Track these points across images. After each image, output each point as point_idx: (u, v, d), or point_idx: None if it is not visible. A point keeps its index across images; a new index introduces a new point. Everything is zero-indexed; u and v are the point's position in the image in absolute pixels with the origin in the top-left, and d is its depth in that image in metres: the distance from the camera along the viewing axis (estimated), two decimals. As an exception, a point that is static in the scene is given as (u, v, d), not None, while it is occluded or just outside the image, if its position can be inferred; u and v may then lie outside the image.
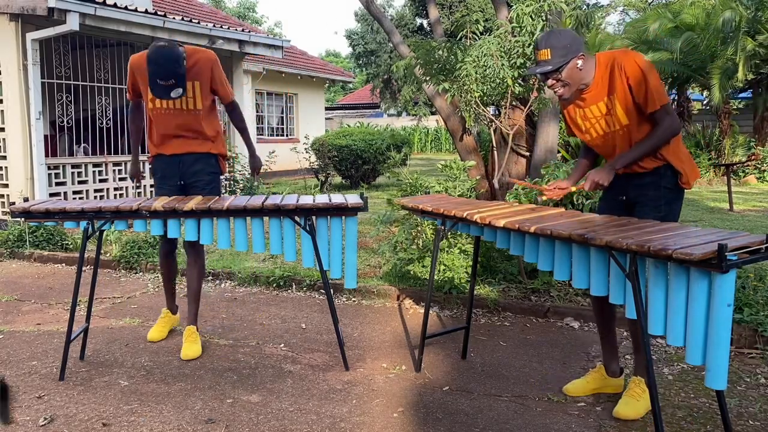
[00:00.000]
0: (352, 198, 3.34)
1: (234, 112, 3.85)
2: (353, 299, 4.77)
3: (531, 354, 3.60)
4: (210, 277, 5.35)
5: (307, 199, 3.39)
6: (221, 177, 3.93)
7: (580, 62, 2.73)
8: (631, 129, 2.76)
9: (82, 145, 9.19)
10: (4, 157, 7.71)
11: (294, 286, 5.08)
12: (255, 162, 3.93)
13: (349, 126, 17.86)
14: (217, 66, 3.65)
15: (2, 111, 7.67)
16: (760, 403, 2.91)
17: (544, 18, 5.07)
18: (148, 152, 3.88)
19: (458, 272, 4.55)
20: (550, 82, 2.79)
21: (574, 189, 2.99)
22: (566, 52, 2.70)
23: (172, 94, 3.39)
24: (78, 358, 3.53)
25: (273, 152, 11.15)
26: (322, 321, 4.23)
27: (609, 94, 2.75)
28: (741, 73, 12.37)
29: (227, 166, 4.02)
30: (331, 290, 4.06)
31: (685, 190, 2.84)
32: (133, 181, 4.02)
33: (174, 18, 8.70)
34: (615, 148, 2.84)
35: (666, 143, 2.71)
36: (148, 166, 8.38)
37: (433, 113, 25.51)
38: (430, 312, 4.27)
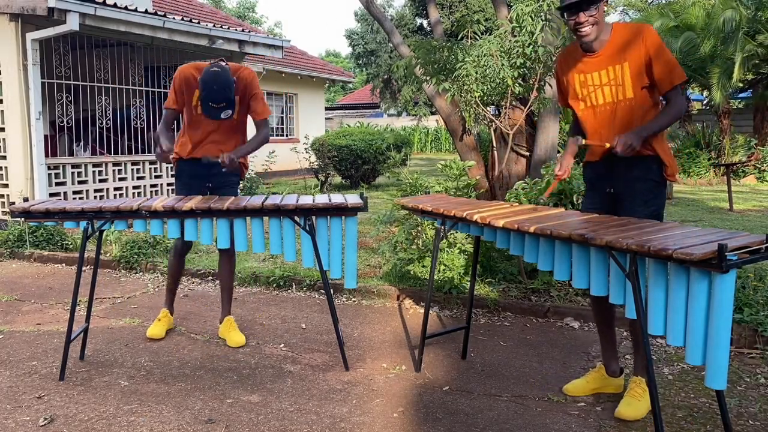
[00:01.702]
0: (352, 198, 3.34)
1: (262, 130, 3.82)
2: (353, 299, 4.76)
3: (531, 354, 3.60)
4: (210, 278, 5.34)
5: (306, 199, 3.39)
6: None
7: (605, 7, 2.70)
8: (635, 104, 2.72)
9: (81, 142, 9.21)
10: (4, 157, 7.71)
11: (294, 286, 5.08)
12: (233, 156, 3.61)
13: (349, 126, 17.86)
14: (255, 82, 3.76)
15: (2, 111, 7.67)
16: (760, 403, 2.91)
17: (543, 18, 5.07)
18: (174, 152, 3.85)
19: (458, 272, 4.55)
20: (582, 17, 2.66)
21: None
22: None
23: (222, 116, 3.52)
24: (78, 358, 3.53)
25: (273, 152, 11.16)
26: (322, 321, 4.23)
27: (623, 62, 2.70)
28: (737, 74, 12.36)
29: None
30: (331, 290, 4.05)
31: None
32: (159, 156, 3.62)
33: (174, 18, 8.70)
34: (613, 120, 2.78)
35: (675, 121, 2.70)
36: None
37: (433, 113, 25.53)
38: (430, 312, 4.27)
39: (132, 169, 8.75)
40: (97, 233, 3.35)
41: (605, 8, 2.70)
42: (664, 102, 2.78)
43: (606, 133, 2.80)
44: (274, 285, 5.12)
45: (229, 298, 3.94)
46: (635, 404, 2.77)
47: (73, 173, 8.04)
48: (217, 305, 4.64)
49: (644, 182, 2.76)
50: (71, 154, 9.19)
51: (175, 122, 3.90)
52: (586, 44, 2.76)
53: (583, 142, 2.84)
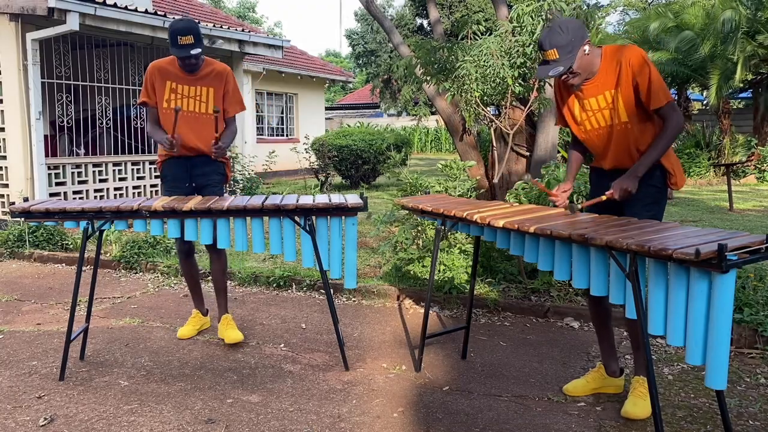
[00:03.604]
0: (352, 198, 3.34)
1: (229, 126, 3.80)
2: (353, 299, 4.76)
3: (531, 354, 3.60)
4: (209, 277, 5.34)
5: (306, 199, 3.39)
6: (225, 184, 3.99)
7: (586, 48, 2.72)
8: (630, 127, 2.76)
9: (82, 149, 9.22)
10: (4, 157, 7.71)
11: (294, 286, 5.08)
12: (221, 144, 3.66)
13: (349, 126, 17.87)
14: (231, 77, 3.80)
15: (2, 111, 7.67)
16: (760, 403, 2.91)
17: (544, 17, 5.07)
18: (157, 153, 3.86)
19: (458, 272, 4.55)
20: (562, 77, 2.78)
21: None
22: (572, 47, 2.69)
23: (192, 51, 3.51)
24: (78, 358, 3.53)
25: (273, 152, 11.16)
26: (322, 321, 4.23)
27: (615, 86, 2.74)
28: (739, 74, 12.37)
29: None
30: (331, 290, 4.05)
31: (685, 191, 2.85)
32: (169, 145, 3.61)
33: (174, 18, 8.70)
34: (610, 143, 2.82)
35: (674, 140, 2.72)
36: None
37: (433, 113, 25.52)
38: (430, 312, 4.27)
39: (132, 169, 8.75)
40: (97, 233, 3.35)
41: (586, 48, 2.72)
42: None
43: (607, 154, 2.86)
44: (274, 285, 5.11)
45: (224, 296, 3.92)
46: (641, 403, 2.77)
47: (73, 173, 8.04)
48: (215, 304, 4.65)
49: (646, 188, 2.78)
50: (71, 154, 9.17)
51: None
52: (576, 88, 2.84)
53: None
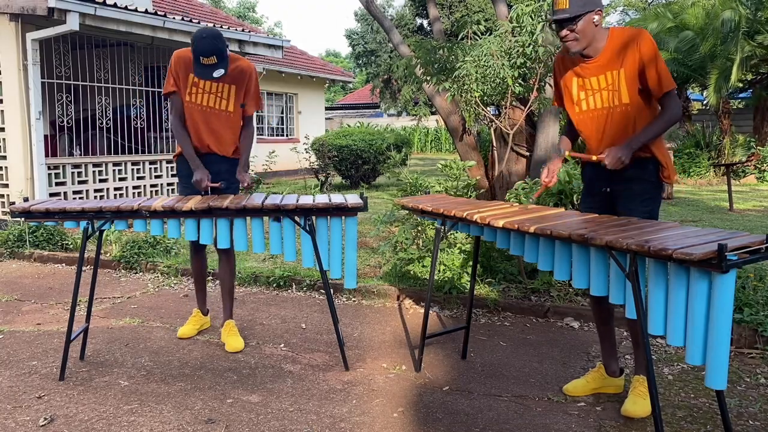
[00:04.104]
0: (352, 198, 3.34)
1: (247, 126, 3.79)
2: (353, 299, 4.76)
3: (531, 354, 3.60)
4: (210, 277, 5.34)
5: (307, 199, 3.39)
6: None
7: (596, 18, 2.69)
8: (631, 110, 2.73)
9: (80, 150, 9.22)
10: (4, 157, 7.71)
11: (294, 286, 5.08)
12: (243, 172, 3.74)
13: (349, 126, 17.87)
14: (254, 76, 3.72)
15: (2, 111, 7.67)
16: (760, 403, 2.91)
17: (543, 18, 5.07)
18: (173, 151, 3.83)
19: (458, 272, 4.55)
20: (563, 32, 2.72)
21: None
22: (585, 3, 2.66)
23: (215, 74, 3.42)
24: (78, 358, 3.53)
25: (273, 152, 11.16)
26: (322, 321, 4.23)
27: (619, 67, 2.71)
28: (735, 74, 12.36)
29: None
30: (331, 290, 4.05)
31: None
32: (200, 187, 3.55)
33: (174, 18, 8.70)
34: (606, 126, 2.79)
35: (669, 127, 2.70)
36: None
37: (433, 113, 25.53)
38: (430, 312, 4.27)
39: (132, 169, 8.75)
40: (98, 233, 3.35)
41: (596, 18, 2.70)
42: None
43: (601, 138, 2.83)
44: (274, 285, 5.12)
45: (230, 300, 3.87)
46: (641, 402, 2.77)
47: (73, 173, 8.04)
48: (218, 305, 4.64)
49: (641, 183, 2.77)
50: (70, 154, 9.18)
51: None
52: (574, 54, 2.80)
53: (567, 154, 2.83)
